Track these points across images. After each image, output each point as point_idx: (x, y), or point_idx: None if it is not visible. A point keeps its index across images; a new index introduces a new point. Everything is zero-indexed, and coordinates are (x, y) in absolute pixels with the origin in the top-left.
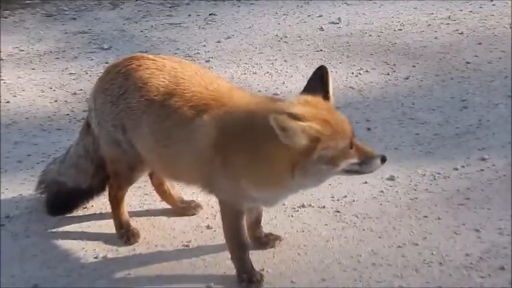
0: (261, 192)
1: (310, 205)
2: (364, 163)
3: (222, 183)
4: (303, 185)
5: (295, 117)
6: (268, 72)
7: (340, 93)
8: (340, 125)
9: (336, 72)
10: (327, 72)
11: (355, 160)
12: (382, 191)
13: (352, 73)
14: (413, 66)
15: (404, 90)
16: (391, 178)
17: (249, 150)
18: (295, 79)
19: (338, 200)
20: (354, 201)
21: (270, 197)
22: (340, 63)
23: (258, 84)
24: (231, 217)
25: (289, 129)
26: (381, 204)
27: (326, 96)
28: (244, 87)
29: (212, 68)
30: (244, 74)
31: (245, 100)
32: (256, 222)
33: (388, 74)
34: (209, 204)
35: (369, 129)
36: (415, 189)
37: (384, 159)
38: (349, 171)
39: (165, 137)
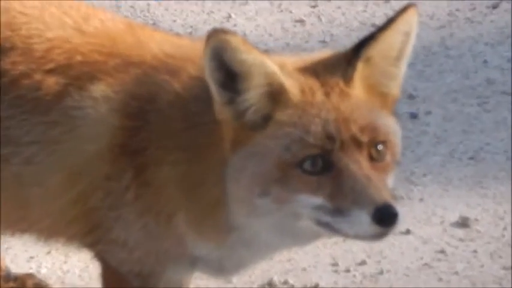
0: (210, 240)
1: (285, 282)
2: (339, 213)
3: (130, 226)
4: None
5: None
6: None
7: (354, 37)
8: (331, 112)
9: None
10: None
11: (318, 200)
12: (443, 251)
13: None
14: None
15: (489, 32)
16: (463, 223)
17: (194, 152)
18: (252, 10)
19: (347, 270)
20: (381, 273)
21: (226, 252)
22: None
23: (174, 21)
24: None
25: (242, 57)
26: (441, 278)
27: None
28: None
29: None
30: None
31: (178, 47)
32: None
33: None
34: (65, 281)
35: (414, 115)
36: None
37: (381, 217)
38: (317, 222)
39: None
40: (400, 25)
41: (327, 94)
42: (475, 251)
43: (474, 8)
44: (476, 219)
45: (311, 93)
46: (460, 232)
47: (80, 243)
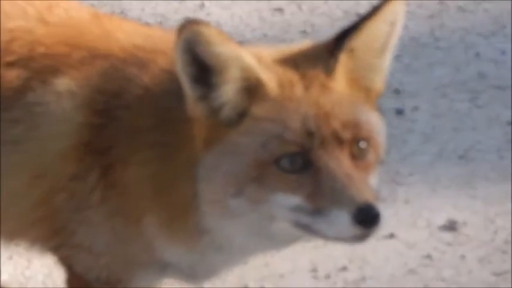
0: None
1: None
2: (318, 213)
3: (96, 229)
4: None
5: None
6: None
7: (337, 27)
8: (311, 107)
9: None
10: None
11: (296, 200)
12: (429, 256)
13: None
14: None
15: (482, 22)
16: (451, 226)
17: (165, 151)
18: None
19: (328, 276)
20: (363, 279)
21: (197, 257)
22: None
23: (143, 9)
24: None
25: (217, 49)
26: (427, 285)
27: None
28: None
29: None
30: None
31: (147, 38)
32: None
33: None
34: None
35: (400, 111)
36: (505, 252)
37: (362, 218)
38: (295, 223)
39: None
40: (386, 14)
41: (307, 88)
42: (463, 256)
43: None
44: (465, 223)
45: (290, 87)
46: (447, 236)
47: (43, 247)
